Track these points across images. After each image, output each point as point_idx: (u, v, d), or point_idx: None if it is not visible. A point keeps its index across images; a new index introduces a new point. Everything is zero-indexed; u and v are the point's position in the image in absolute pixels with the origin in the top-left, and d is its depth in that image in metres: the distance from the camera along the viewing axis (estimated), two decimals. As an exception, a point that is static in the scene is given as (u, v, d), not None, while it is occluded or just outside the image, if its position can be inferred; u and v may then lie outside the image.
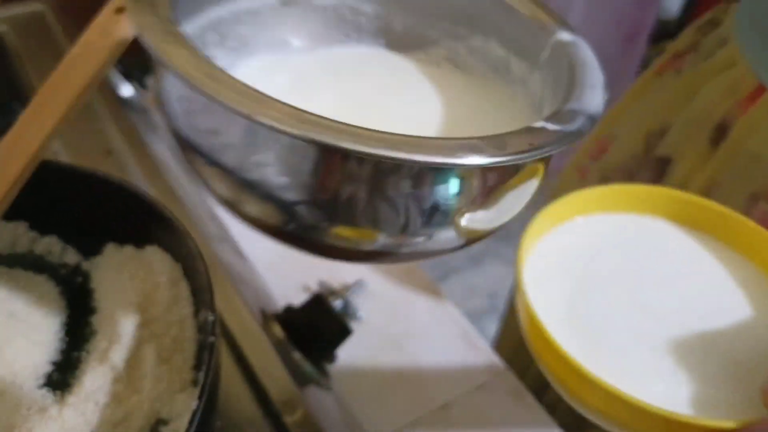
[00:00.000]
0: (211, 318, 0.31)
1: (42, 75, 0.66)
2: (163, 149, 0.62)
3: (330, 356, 0.44)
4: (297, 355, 0.43)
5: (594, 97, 0.29)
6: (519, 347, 0.76)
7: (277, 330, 0.44)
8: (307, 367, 0.42)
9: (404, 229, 0.25)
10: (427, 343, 0.57)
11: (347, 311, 0.50)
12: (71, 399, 0.33)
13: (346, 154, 0.23)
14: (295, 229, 0.26)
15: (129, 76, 0.70)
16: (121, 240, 0.41)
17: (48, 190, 0.40)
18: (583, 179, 0.62)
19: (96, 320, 0.39)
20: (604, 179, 0.59)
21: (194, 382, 0.34)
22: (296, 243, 0.28)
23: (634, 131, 0.56)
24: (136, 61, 0.71)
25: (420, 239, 0.26)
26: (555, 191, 0.69)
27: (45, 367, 0.37)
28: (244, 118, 0.21)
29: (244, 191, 0.26)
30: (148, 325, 0.37)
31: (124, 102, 0.66)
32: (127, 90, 0.69)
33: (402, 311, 0.58)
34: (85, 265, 0.42)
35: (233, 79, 0.23)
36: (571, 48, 0.31)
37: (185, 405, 0.34)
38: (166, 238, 0.38)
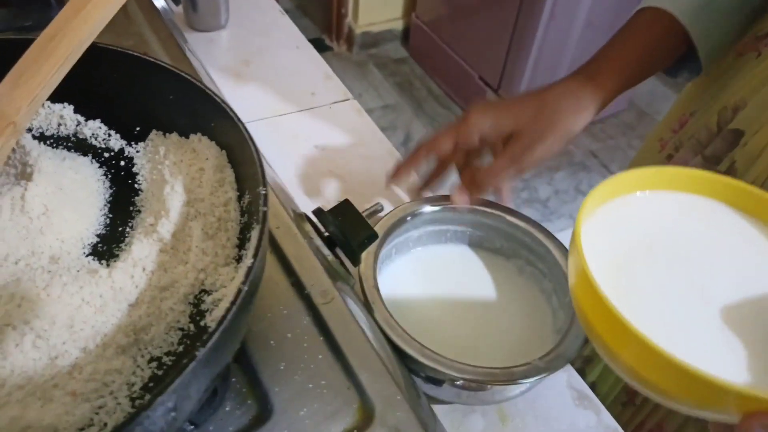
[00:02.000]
0: (263, 192, 0.32)
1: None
2: (194, 59, 0.63)
3: (356, 259, 0.46)
4: (326, 252, 0.45)
5: (574, 346, 0.45)
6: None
7: (308, 228, 0.46)
8: (335, 264, 0.44)
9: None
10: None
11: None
12: (119, 264, 0.35)
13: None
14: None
15: (161, -12, 0.70)
16: (166, 128, 0.42)
17: (95, 73, 0.41)
18: (662, 150, 0.64)
19: (140, 200, 0.40)
20: (677, 149, 0.61)
21: (237, 259, 0.36)
22: None
23: (709, 106, 0.57)
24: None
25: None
26: (636, 159, 0.71)
27: (91, 239, 0.38)
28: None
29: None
30: (193, 204, 0.38)
31: (157, 12, 0.66)
32: (159, 1, 0.69)
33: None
34: (129, 150, 0.43)
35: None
36: None
37: (228, 277, 0.35)
38: (214, 126, 0.39)
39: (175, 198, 0.38)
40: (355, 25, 2.25)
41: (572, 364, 0.72)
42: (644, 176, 0.37)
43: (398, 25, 2.34)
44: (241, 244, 0.37)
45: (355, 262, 0.47)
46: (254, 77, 0.82)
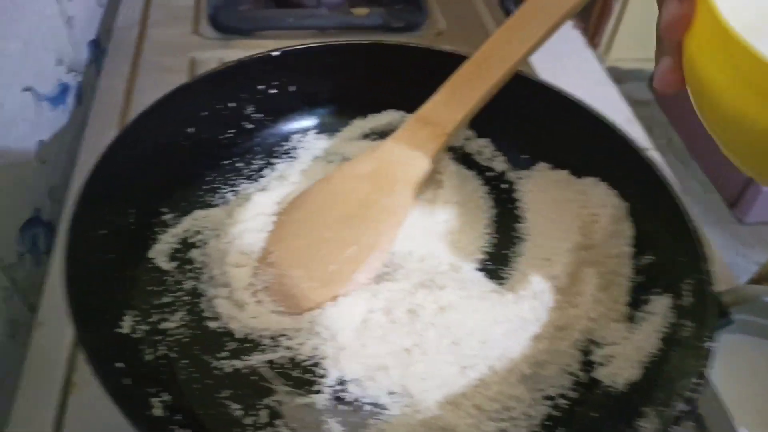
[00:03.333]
0: (706, 268, 0.31)
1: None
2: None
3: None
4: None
5: None
6: None
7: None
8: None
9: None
10: None
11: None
12: (522, 292, 0.36)
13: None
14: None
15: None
16: (557, 163, 0.43)
17: (501, 98, 0.42)
18: None
19: (523, 228, 0.41)
20: None
21: (629, 318, 0.36)
22: None
23: None
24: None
25: None
26: None
27: (480, 254, 0.40)
28: None
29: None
30: (586, 249, 0.38)
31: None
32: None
33: None
34: (511, 175, 0.44)
35: None
36: None
37: (619, 334, 0.35)
38: (621, 176, 0.39)
39: (567, 238, 0.38)
40: (605, 58, 2.17)
41: None
42: None
43: (649, 66, 2.22)
44: (634, 303, 0.36)
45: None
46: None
